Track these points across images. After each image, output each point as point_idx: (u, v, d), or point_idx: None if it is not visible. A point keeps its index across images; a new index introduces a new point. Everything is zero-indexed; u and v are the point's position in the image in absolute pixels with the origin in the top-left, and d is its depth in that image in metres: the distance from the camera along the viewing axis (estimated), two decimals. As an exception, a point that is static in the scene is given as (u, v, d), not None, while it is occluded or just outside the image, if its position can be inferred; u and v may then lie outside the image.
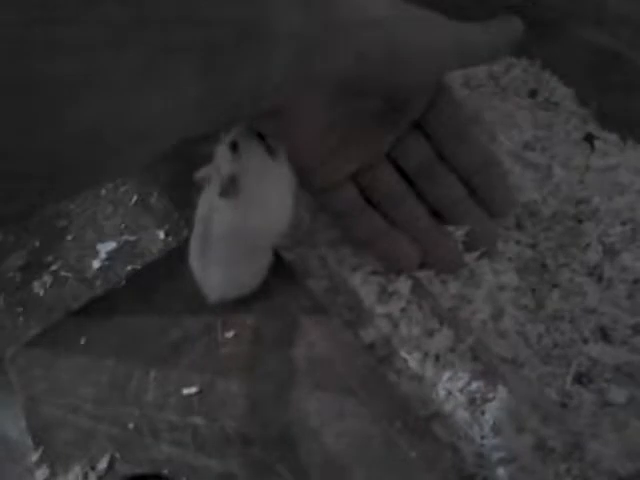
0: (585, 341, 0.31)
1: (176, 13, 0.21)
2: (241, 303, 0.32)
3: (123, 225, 0.45)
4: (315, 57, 0.27)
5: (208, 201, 0.31)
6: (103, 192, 0.47)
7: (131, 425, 0.30)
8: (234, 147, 0.30)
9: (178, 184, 0.47)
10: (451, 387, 0.31)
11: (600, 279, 0.34)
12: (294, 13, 0.25)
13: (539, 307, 0.33)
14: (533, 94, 0.40)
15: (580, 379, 0.30)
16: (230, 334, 0.32)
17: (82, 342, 0.33)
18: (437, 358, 0.32)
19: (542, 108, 0.39)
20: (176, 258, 0.33)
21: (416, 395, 0.30)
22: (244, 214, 0.30)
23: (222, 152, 0.30)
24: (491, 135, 0.38)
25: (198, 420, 0.29)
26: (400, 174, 0.35)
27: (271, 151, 0.30)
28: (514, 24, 0.31)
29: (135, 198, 0.47)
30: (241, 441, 0.28)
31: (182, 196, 0.46)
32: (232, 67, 0.23)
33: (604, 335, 0.31)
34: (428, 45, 0.29)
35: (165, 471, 0.28)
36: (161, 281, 0.34)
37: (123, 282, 0.34)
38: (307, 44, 0.26)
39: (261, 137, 0.30)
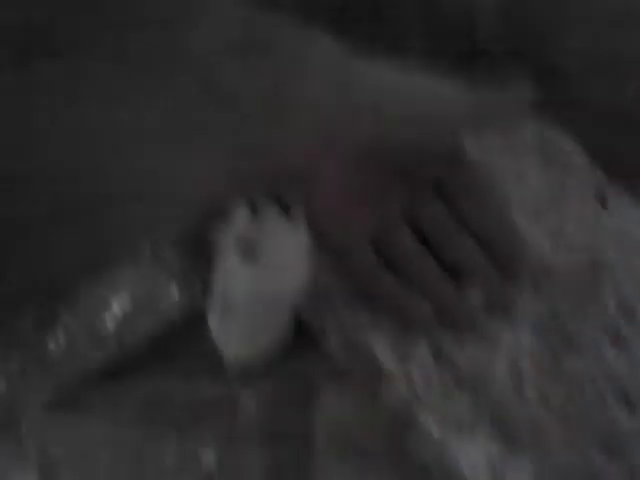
0: (608, 406, 0.31)
1: None
2: (260, 367, 0.32)
3: (136, 277, 0.45)
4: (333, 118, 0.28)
5: (226, 264, 0.31)
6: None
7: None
8: (253, 208, 0.30)
9: (193, 239, 0.47)
10: (471, 453, 0.30)
11: (618, 338, 0.34)
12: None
13: (559, 369, 0.33)
14: (544, 152, 0.40)
15: (605, 446, 0.29)
16: (250, 400, 0.31)
17: (99, 405, 0.32)
18: (457, 423, 0.31)
19: (554, 166, 0.40)
20: (197, 319, 0.33)
21: (436, 462, 0.30)
22: (262, 278, 0.30)
23: (240, 214, 0.30)
24: (504, 195, 0.38)
25: (218, 489, 0.29)
26: (415, 233, 0.35)
27: (287, 211, 0.30)
28: (527, 87, 0.32)
29: (149, 250, 0.47)
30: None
31: (197, 251, 0.46)
32: None
33: (627, 400, 0.31)
34: (443, 108, 0.30)
35: None
36: (181, 342, 0.33)
37: (142, 344, 0.34)
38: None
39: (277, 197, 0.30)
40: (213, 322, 0.32)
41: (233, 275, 0.30)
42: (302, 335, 0.33)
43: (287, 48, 0.26)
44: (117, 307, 0.43)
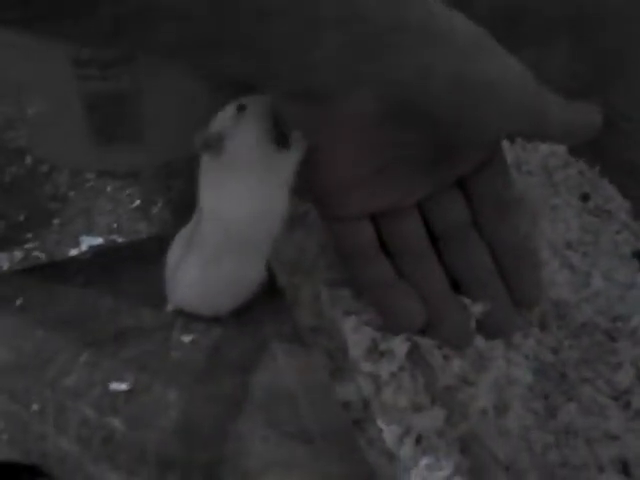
0: (601, 469, 0.26)
1: None
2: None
3: (116, 225, 0.42)
4: (373, 53, 0.24)
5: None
6: (108, 189, 0.44)
7: (36, 406, 0.24)
8: (240, 109, 0.26)
9: (184, 203, 0.44)
10: (428, 476, 0.25)
11: (627, 406, 0.28)
12: None
13: (551, 416, 0.28)
14: (585, 198, 0.37)
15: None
16: (187, 338, 0.27)
17: (18, 303, 0.28)
18: (419, 439, 0.26)
19: (592, 214, 0.36)
20: (157, 245, 0.29)
21: (384, 473, 0.25)
22: (228, 188, 0.26)
23: (225, 111, 0.27)
24: (534, 221, 0.34)
25: (116, 422, 0.24)
26: (427, 228, 0.31)
27: (283, 139, 0.26)
28: (595, 116, 0.28)
29: (138, 203, 0.43)
30: (158, 461, 0.23)
31: (185, 216, 0.43)
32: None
33: (624, 468, 0.26)
34: (503, 88, 0.26)
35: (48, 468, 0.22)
36: (132, 263, 0.29)
37: (88, 254, 0.30)
38: (367, 34, 0.23)
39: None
40: (174, 251, 0.28)
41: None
42: (271, 295, 0.29)
43: None
44: (86, 247, 0.39)
